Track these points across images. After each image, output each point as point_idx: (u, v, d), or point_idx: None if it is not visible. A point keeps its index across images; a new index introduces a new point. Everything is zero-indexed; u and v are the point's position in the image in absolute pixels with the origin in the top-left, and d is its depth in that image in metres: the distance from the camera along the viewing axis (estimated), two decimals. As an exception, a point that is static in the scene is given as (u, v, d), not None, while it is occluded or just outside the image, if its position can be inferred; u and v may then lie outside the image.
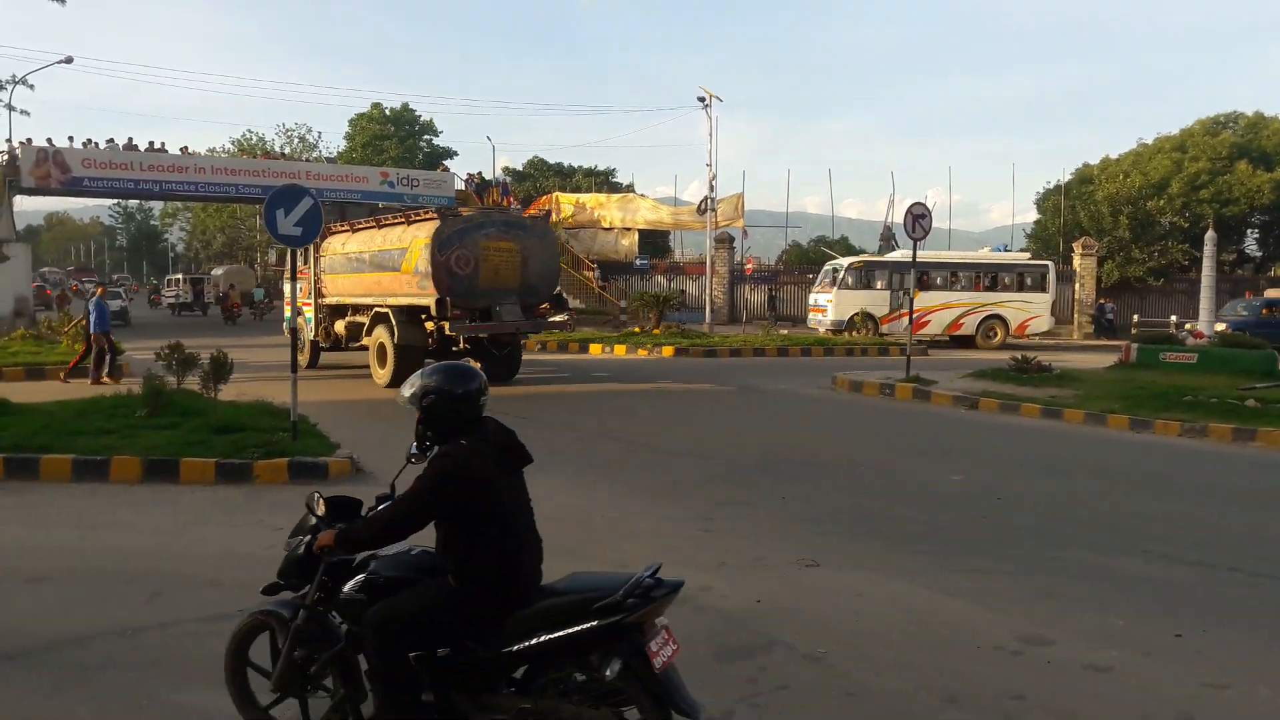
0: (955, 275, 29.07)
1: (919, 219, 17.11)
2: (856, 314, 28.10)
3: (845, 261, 29.89)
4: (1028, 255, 32.42)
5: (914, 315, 27.31)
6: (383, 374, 16.40)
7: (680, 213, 42.82)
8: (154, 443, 9.11)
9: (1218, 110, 47.62)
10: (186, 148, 35.48)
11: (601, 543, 6.85)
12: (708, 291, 33.27)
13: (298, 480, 8.64)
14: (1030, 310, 27.96)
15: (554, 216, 39.01)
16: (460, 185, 40.03)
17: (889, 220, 45.01)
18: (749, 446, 10.99)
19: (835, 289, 28.55)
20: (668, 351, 23.55)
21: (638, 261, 40.13)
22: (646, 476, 9.27)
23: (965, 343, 27.87)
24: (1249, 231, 42.97)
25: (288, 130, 61.15)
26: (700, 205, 36.10)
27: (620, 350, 23.98)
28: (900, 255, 29.91)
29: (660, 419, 13.32)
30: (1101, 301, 35.40)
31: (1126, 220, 37.99)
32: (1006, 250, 33.45)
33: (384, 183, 37.29)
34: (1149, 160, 40.64)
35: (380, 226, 17.64)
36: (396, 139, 56.23)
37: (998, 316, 27.79)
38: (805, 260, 42.74)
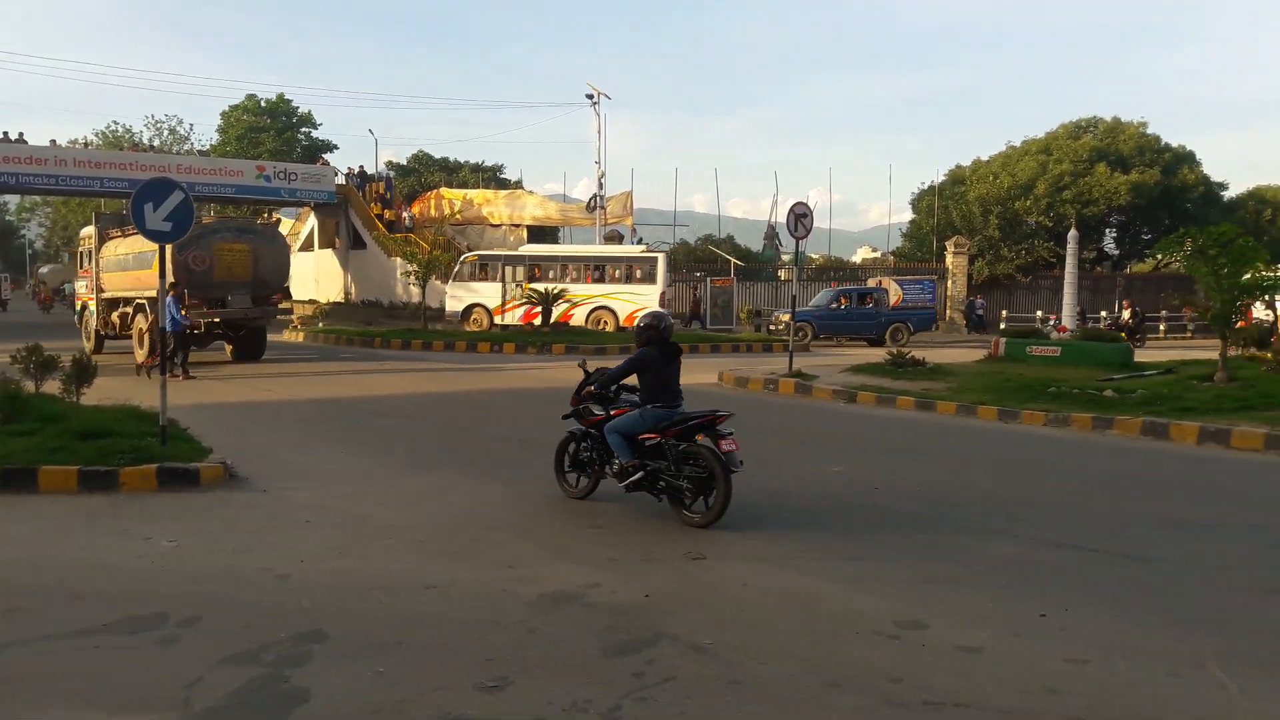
0: (566, 267, 29.88)
1: (801, 218, 17.55)
2: (471, 305, 29.07)
3: (463, 256, 30.91)
4: (643, 248, 32.55)
5: (525, 307, 28.40)
6: (141, 353, 18.57)
7: (569, 209, 42.76)
8: (9, 450, 8.56)
9: (1079, 115, 50.17)
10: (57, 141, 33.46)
11: (489, 544, 6.78)
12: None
13: (167, 488, 8.26)
14: (639, 301, 27.86)
15: (440, 212, 38.45)
16: (341, 179, 39.01)
17: (773, 219, 45.95)
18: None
19: (451, 281, 29.41)
20: (559, 349, 23.48)
21: (527, 258, 39.86)
22: (535, 475, 9.22)
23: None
24: (1108, 230, 45.48)
25: (157, 122, 58.42)
26: (589, 202, 36.16)
27: (509, 349, 23.78)
28: (528, 250, 30.80)
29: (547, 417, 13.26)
30: (972, 298, 36.97)
31: (996, 220, 39.76)
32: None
33: (260, 176, 35.97)
34: (1017, 162, 42.58)
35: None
36: (273, 131, 54.32)
37: (606, 308, 28.41)
38: (693, 258, 43.22)
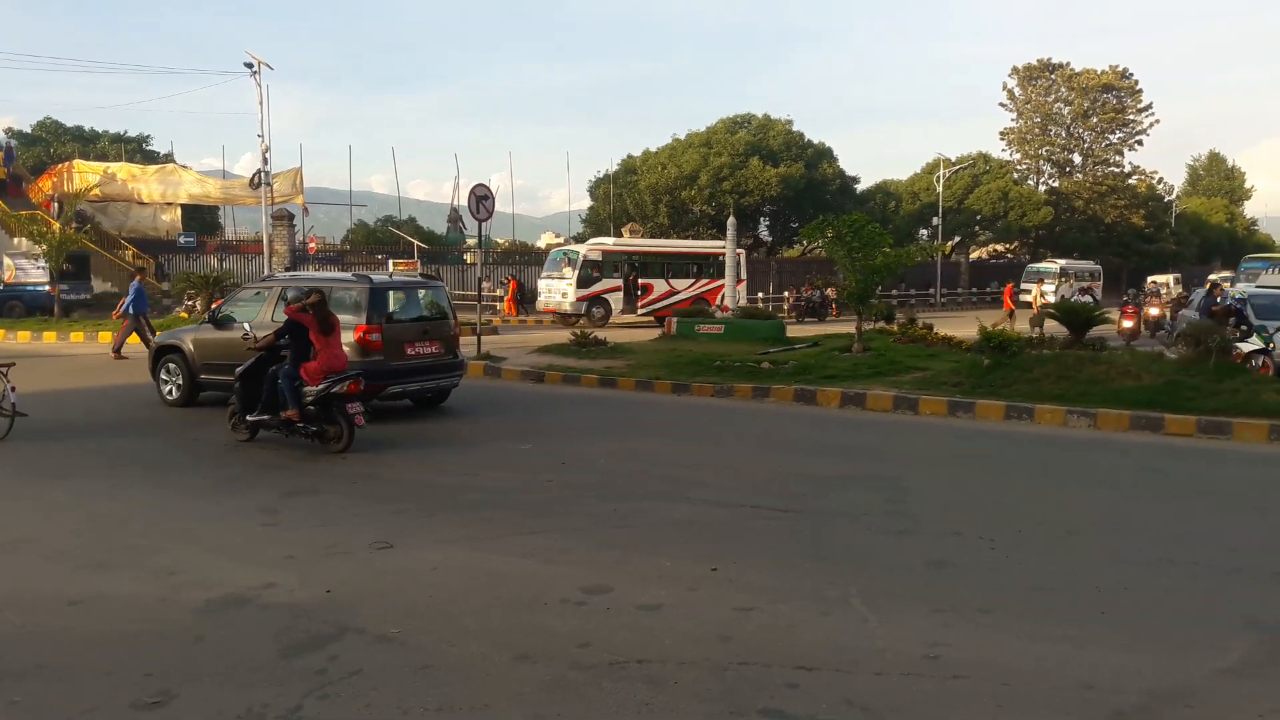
0: None
1: (482, 200, 17.53)
2: None
3: None
4: None
5: None
6: None
7: (231, 186, 39.58)
8: None
9: (736, 111, 54.11)
10: None
11: (147, 550, 6.15)
12: (267, 272, 31.18)
13: None
14: None
15: (73, 186, 34.14)
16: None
17: (455, 202, 45.50)
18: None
19: None
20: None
21: (181, 239, 36.44)
22: (195, 474, 8.50)
23: None
24: (762, 219, 49.65)
25: None
26: (253, 179, 33.58)
27: None
28: None
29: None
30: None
31: (665, 208, 42.10)
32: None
33: None
34: (682, 154, 45.19)
35: None
36: None
37: None
38: (374, 240, 41.77)
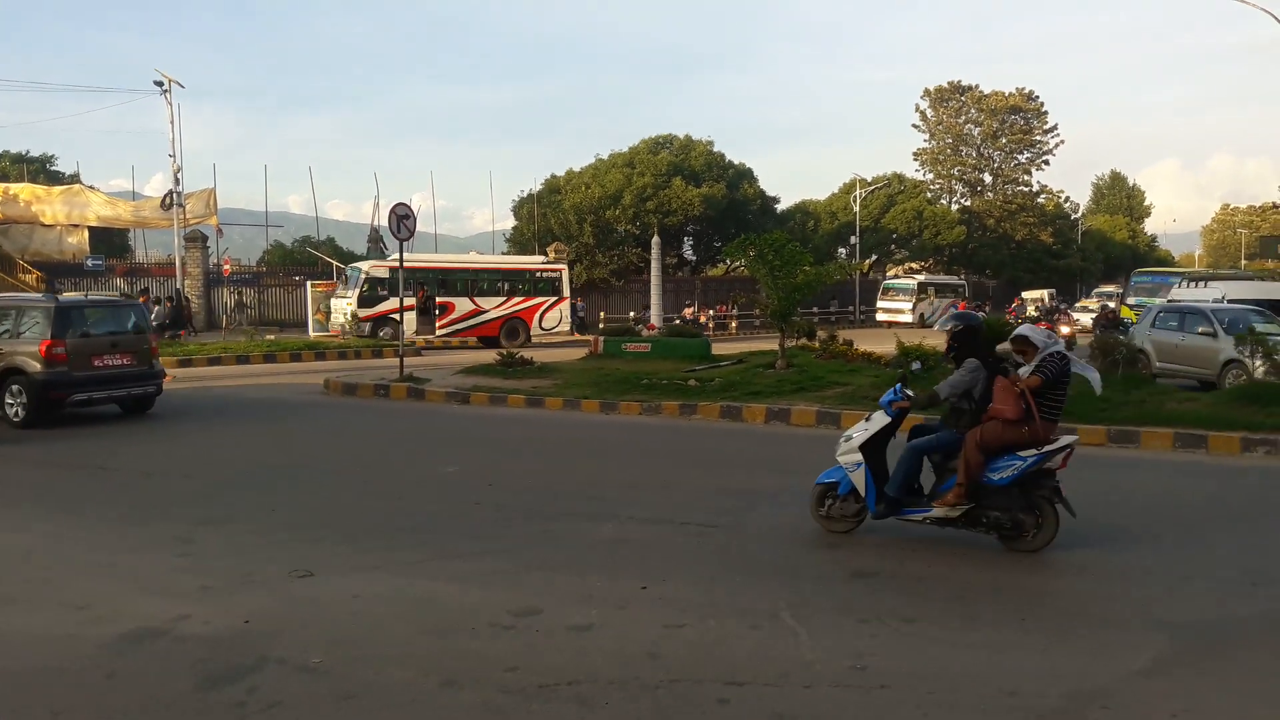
0: None
1: (403, 219, 17.31)
2: None
3: None
4: None
5: None
6: None
7: (141, 208, 38.41)
8: None
9: (658, 131, 54.50)
10: None
11: (52, 584, 5.88)
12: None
13: None
14: None
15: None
16: None
17: (375, 222, 44.83)
18: (229, 459, 10.22)
19: None
20: (132, 363, 20.97)
21: (89, 262, 35.19)
22: (107, 503, 8.17)
23: None
24: (685, 238, 50.09)
25: None
26: (165, 200, 32.70)
27: None
28: None
29: (123, 438, 11.83)
30: (574, 301, 38.93)
31: (590, 228, 42.15)
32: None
33: None
34: (605, 174, 45.36)
35: None
36: None
37: None
38: (291, 261, 40.91)
